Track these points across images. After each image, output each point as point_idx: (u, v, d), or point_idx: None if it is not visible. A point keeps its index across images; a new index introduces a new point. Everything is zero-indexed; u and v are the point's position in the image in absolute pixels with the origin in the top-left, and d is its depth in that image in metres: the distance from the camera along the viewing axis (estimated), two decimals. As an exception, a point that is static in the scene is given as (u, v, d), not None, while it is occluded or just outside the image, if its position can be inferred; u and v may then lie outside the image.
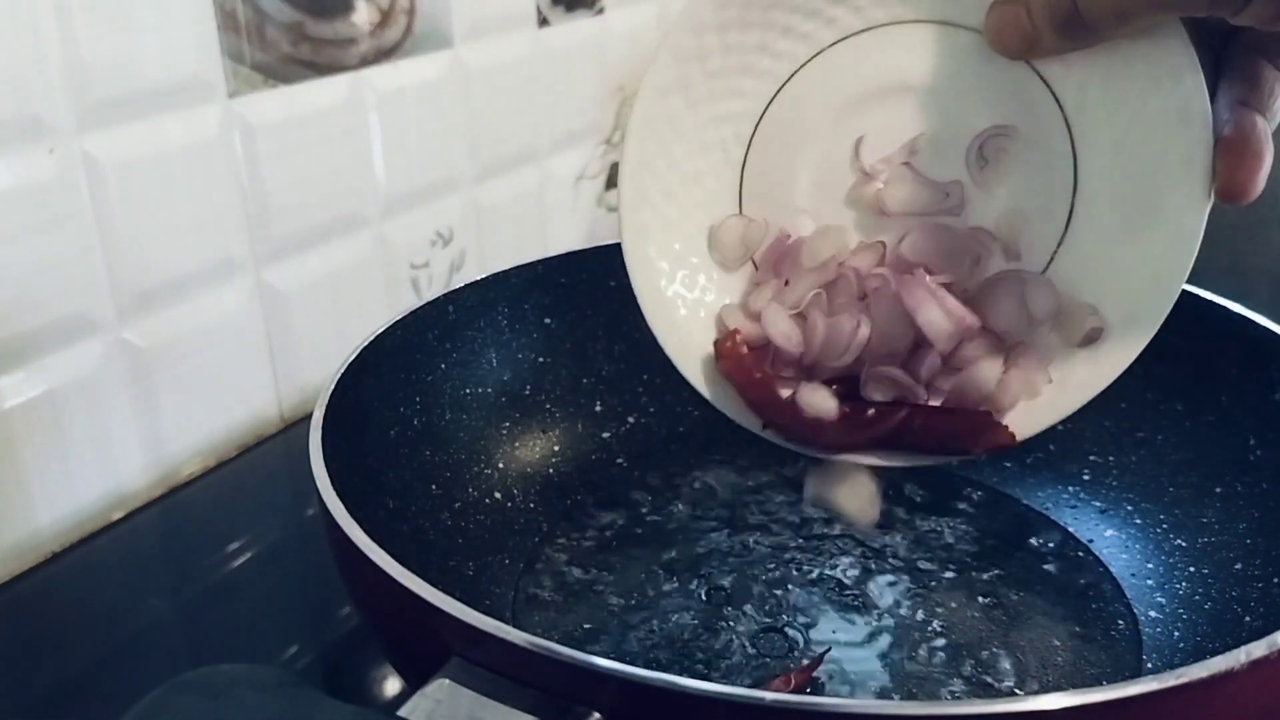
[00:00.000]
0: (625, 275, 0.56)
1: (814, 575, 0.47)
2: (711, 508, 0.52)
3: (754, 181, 0.41)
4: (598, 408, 0.56)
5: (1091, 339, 0.38)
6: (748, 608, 0.45)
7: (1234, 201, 0.35)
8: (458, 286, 0.52)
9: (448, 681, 0.29)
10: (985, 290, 0.39)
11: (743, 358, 0.40)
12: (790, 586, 0.46)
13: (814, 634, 0.44)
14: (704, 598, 0.46)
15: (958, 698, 0.40)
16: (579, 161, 0.84)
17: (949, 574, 0.47)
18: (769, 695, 0.27)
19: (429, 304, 0.50)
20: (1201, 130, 0.35)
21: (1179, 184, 0.36)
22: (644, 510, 0.52)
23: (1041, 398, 0.39)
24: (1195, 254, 0.36)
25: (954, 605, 0.45)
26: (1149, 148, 0.36)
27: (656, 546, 0.49)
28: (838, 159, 0.40)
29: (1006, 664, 0.42)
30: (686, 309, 0.42)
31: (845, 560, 0.48)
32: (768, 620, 0.44)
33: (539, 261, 0.54)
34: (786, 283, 0.41)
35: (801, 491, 0.52)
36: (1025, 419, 0.40)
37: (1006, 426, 0.39)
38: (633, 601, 0.46)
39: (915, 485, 0.53)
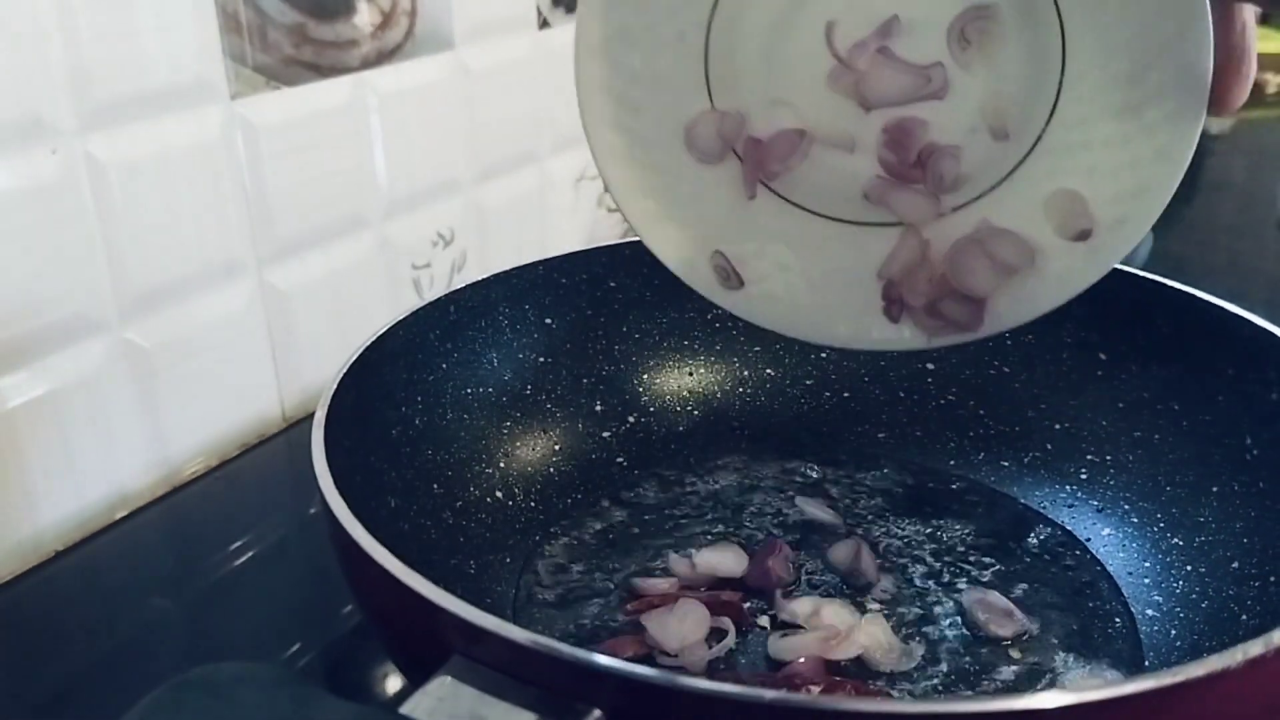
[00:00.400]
0: (626, 275, 0.57)
1: (813, 574, 0.47)
2: (711, 506, 0.52)
3: (722, 72, 0.39)
4: (598, 407, 0.56)
5: (1084, 236, 0.38)
6: (748, 605, 0.45)
7: (1218, 113, 0.34)
8: (459, 287, 0.52)
9: (449, 679, 0.29)
10: (953, 261, 0.39)
11: None
12: (790, 585, 0.47)
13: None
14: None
15: (953, 696, 0.41)
16: (579, 163, 0.84)
17: (947, 573, 0.47)
18: (768, 693, 0.27)
19: (430, 304, 0.50)
20: (1198, 44, 0.34)
21: (1172, 91, 0.35)
22: (644, 509, 0.52)
23: (1030, 289, 0.39)
24: (1186, 165, 0.36)
25: (951, 604, 0.45)
26: (1140, 42, 0.35)
27: (657, 545, 0.49)
28: (810, 43, 0.38)
29: (1001, 662, 0.42)
30: (676, 211, 0.41)
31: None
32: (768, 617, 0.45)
33: (540, 262, 0.55)
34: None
35: (794, 476, 0.53)
36: (1014, 308, 0.39)
37: None
38: (634, 609, 0.46)
39: (913, 484, 0.53)
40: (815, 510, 0.50)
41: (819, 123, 0.39)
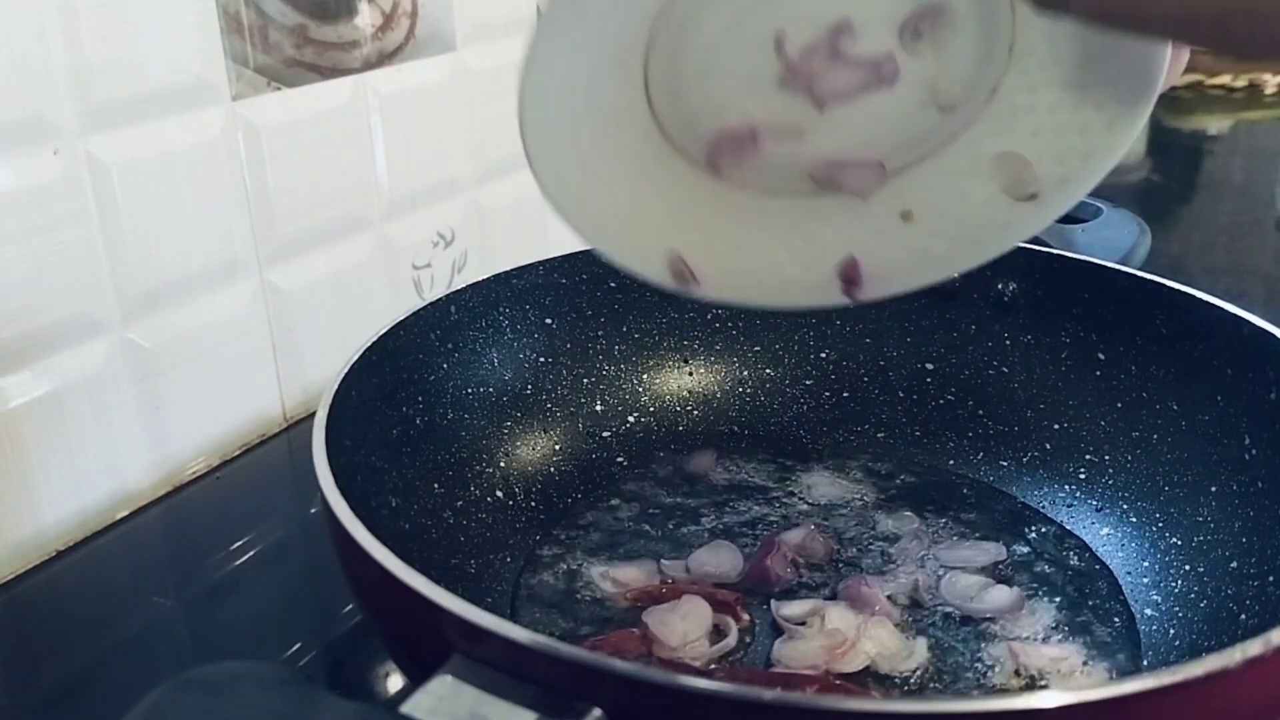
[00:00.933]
0: (626, 275, 0.56)
1: (812, 574, 0.47)
2: (711, 506, 0.52)
3: (662, 87, 0.38)
4: (598, 407, 0.56)
5: (1031, 198, 0.38)
6: (749, 604, 0.45)
7: None
8: (460, 287, 0.52)
9: (450, 678, 0.29)
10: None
11: None
12: (788, 584, 0.47)
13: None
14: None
15: (953, 695, 0.41)
16: (580, 162, 0.84)
17: (946, 572, 0.47)
18: (768, 693, 0.27)
19: (431, 304, 0.50)
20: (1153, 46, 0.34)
21: (1123, 78, 0.35)
22: (644, 509, 0.52)
23: (970, 238, 0.40)
24: (1135, 135, 0.36)
25: (951, 602, 0.45)
26: (1091, 35, 0.35)
27: (657, 545, 0.49)
28: (756, 49, 0.38)
29: (1002, 662, 0.42)
30: (626, 214, 0.40)
31: (843, 558, 0.48)
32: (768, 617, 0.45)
33: (540, 263, 0.55)
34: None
35: (794, 476, 0.53)
36: (955, 256, 0.40)
37: None
38: (633, 598, 0.46)
39: (912, 483, 0.53)
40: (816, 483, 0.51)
41: (768, 119, 0.39)
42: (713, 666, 0.42)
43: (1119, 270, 0.51)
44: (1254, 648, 0.28)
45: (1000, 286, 0.55)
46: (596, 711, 0.28)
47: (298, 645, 0.48)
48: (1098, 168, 0.37)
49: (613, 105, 0.39)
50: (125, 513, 0.57)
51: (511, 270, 0.54)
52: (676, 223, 0.41)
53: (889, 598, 0.45)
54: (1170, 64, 0.35)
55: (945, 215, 0.40)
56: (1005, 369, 0.55)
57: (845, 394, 0.58)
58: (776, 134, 0.39)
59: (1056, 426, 0.53)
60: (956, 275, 0.41)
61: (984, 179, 0.39)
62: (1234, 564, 0.43)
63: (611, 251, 0.40)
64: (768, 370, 0.59)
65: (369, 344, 0.46)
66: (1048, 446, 0.53)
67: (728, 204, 0.41)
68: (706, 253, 0.41)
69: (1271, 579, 0.41)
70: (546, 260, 0.55)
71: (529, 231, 0.80)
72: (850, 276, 0.41)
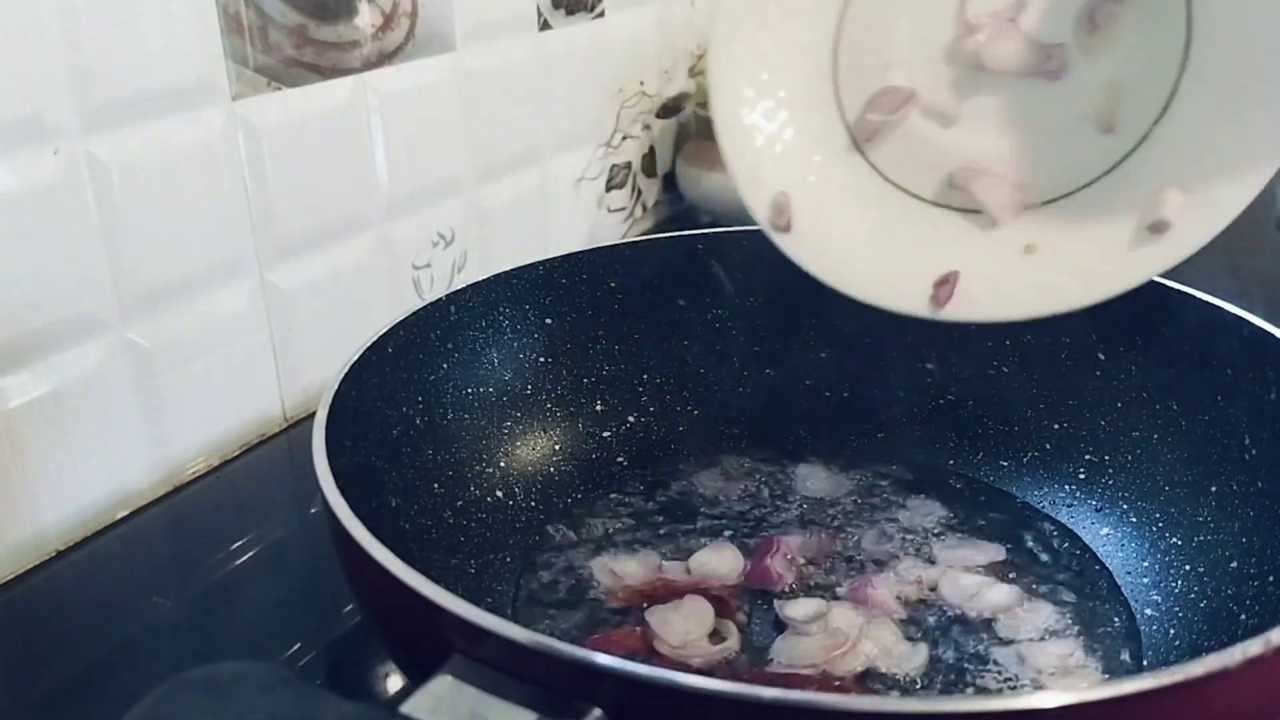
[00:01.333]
0: (626, 275, 0.57)
1: (812, 574, 0.47)
2: (711, 506, 0.52)
3: (852, 23, 0.41)
4: (598, 407, 0.56)
5: (1159, 230, 0.38)
6: (754, 604, 0.45)
7: None
8: (459, 287, 0.52)
9: (450, 678, 0.29)
10: None
11: None
12: (789, 584, 0.47)
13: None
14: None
15: (953, 695, 0.41)
16: (580, 163, 0.84)
17: (944, 572, 0.47)
18: (768, 692, 0.27)
19: (431, 304, 0.50)
20: None
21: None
22: (644, 509, 0.52)
23: (1106, 269, 0.39)
24: (1275, 169, 0.36)
25: (950, 602, 0.45)
26: (1260, 48, 0.35)
27: (657, 544, 0.49)
28: (941, 8, 0.40)
29: (1002, 661, 0.42)
30: (763, 140, 0.41)
31: (843, 558, 0.48)
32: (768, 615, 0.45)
33: (540, 262, 0.55)
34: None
35: (795, 476, 0.53)
36: (1086, 287, 0.40)
37: None
38: (626, 597, 0.46)
39: (912, 482, 0.53)
40: (816, 483, 0.51)
41: (927, 88, 0.40)
42: (712, 666, 0.42)
43: (1119, 270, 0.51)
44: (1254, 648, 0.28)
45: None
46: (596, 711, 0.28)
47: (298, 645, 0.48)
48: (1251, 184, 0.37)
49: (802, 18, 0.41)
50: (125, 513, 0.57)
51: (511, 270, 0.54)
52: (804, 166, 0.42)
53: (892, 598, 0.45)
54: None
55: (1069, 255, 0.40)
56: (1006, 369, 0.55)
57: (845, 394, 0.58)
58: (928, 109, 0.40)
59: (1056, 426, 0.53)
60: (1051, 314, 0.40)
61: (1123, 222, 0.39)
62: (1234, 564, 0.43)
63: (732, 158, 0.41)
64: (768, 370, 0.58)
65: (369, 344, 0.46)
66: (1048, 446, 0.53)
67: (862, 177, 0.42)
68: (815, 203, 0.42)
69: (1271, 579, 0.41)
70: (546, 260, 0.55)
71: (529, 231, 0.80)
72: (944, 283, 0.41)
